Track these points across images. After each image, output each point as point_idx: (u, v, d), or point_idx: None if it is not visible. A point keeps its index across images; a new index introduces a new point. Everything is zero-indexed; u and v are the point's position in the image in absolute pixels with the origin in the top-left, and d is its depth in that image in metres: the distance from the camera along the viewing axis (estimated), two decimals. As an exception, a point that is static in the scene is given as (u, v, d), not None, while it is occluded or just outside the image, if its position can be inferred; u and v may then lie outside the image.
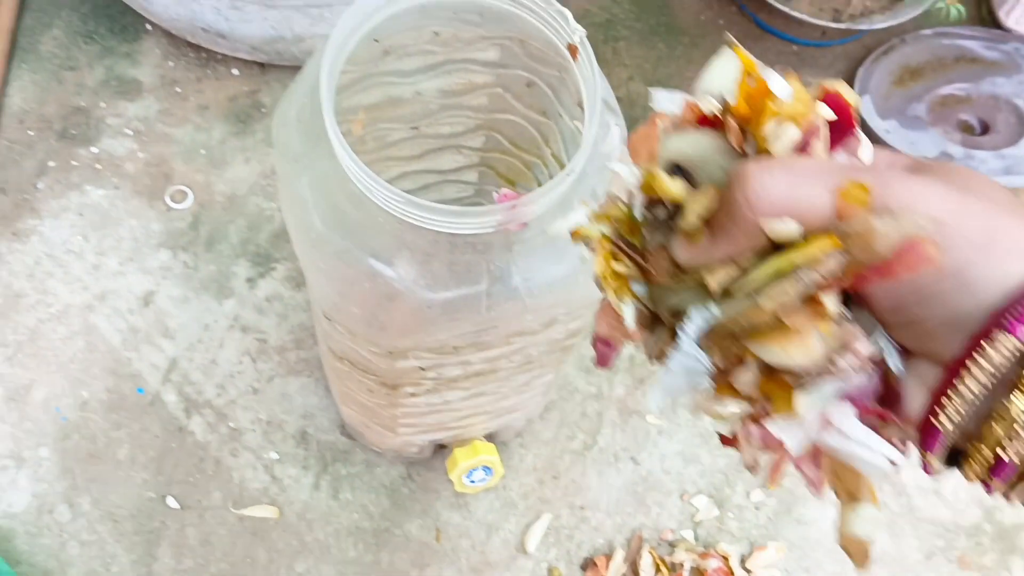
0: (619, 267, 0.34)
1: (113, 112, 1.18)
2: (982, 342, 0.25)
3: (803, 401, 0.28)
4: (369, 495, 1.04)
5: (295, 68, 1.22)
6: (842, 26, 1.25)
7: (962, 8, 1.17)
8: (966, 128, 1.29)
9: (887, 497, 1.11)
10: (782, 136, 0.29)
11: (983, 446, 0.26)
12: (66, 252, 1.11)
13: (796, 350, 0.27)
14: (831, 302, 0.27)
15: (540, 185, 0.76)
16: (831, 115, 0.31)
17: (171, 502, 1.00)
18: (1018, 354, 0.25)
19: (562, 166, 0.84)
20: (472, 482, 1.00)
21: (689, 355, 0.31)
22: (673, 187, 0.31)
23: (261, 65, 1.22)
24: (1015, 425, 0.25)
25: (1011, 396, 0.25)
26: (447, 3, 0.65)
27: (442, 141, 0.90)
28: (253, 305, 1.11)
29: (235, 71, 1.22)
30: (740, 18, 1.35)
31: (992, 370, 0.25)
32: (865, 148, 0.31)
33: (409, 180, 0.96)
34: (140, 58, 1.22)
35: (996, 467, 0.26)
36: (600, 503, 1.07)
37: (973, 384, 0.25)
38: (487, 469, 0.98)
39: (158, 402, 1.05)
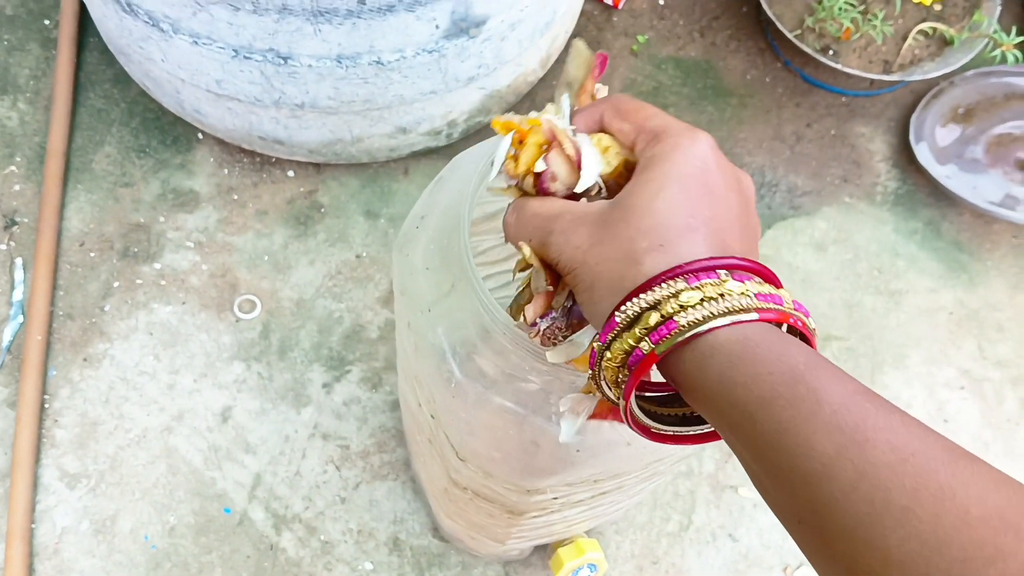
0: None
1: (173, 225, 1.18)
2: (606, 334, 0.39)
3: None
4: (471, 601, 1.01)
5: (352, 166, 1.22)
6: (893, 78, 1.24)
7: (1019, 54, 1.16)
8: (1026, 166, 1.28)
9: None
10: (525, 177, 0.45)
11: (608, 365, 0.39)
12: (139, 374, 1.09)
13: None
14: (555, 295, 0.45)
15: None
16: (558, 125, 0.44)
17: (272, 626, 0.98)
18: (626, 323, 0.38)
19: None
20: (578, 580, 0.97)
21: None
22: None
23: (316, 165, 1.22)
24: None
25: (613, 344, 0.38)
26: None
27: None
28: (331, 411, 1.09)
29: (291, 173, 1.22)
30: (786, 74, 1.35)
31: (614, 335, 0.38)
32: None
33: (493, 280, 0.95)
34: (194, 168, 1.22)
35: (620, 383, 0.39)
36: (703, 586, 1.04)
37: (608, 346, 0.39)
38: (592, 566, 0.96)
39: (246, 521, 1.03)
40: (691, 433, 0.42)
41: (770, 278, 0.39)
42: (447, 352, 0.63)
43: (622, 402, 0.40)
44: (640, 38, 1.36)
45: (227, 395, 1.09)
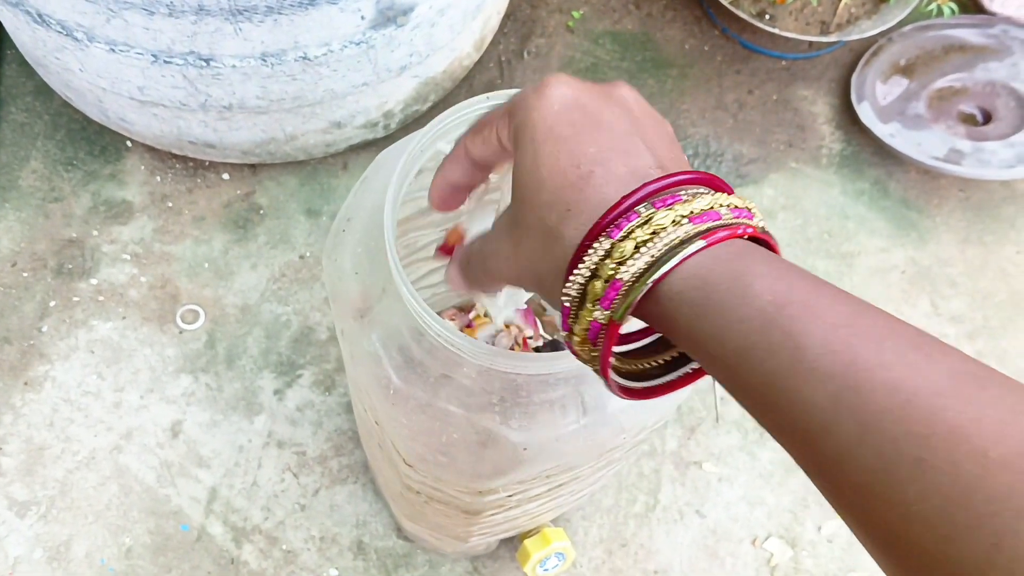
0: None
1: (107, 239, 1.14)
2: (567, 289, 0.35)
3: None
4: (440, 599, 1.00)
5: (289, 164, 1.19)
6: (831, 39, 1.23)
7: (955, 6, 1.15)
8: (968, 119, 1.27)
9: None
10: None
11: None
12: (83, 394, 1.06)
13: None
14: None
15: None
16: None
17: (238, 642, 0.96)
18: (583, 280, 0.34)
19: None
20: (546, 570, 0.96)
21: None
22: None
23: (252, 166, 1.19)
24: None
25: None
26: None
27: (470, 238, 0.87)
28: (285, 417, 1.07)
29: (226, 176, 1.18)
30: (724, 41, 1.33)
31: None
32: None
33: (436, 275, 0.93)
34: (125, 178, 1.18)
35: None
36: (673, 565, 1.04)
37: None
38: (560, 555, 0.95)
39: (205, 536, 1.01)
40: (682, 375, 0.38)
41: (704, 180, 0.34)
42: (383, 358, 0.61)
43: (604, 379, 0.36)
44: (575, 14, 1.33)
45: (176, 409, 1.07)
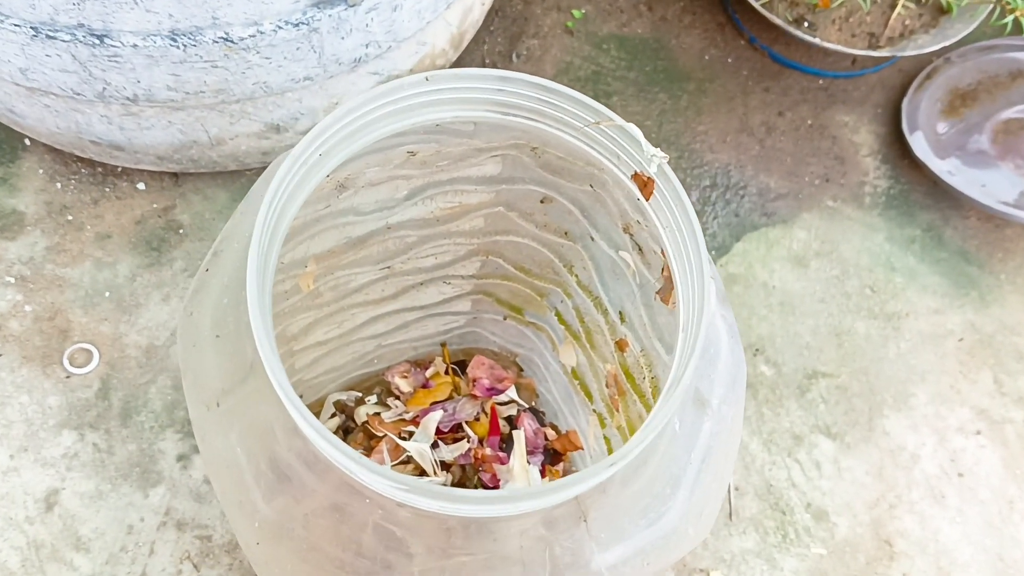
0: None
1: (-12, 256, 0.93)
2: None
3: None
4: None
5: (219, 175, 0.98)
6: (882, 53, 1.03)
7: (1037, 18, 0.96)
8: (1041, 158, 1.07)
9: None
10: None
11: None
12: (-64, 451, 0.85)
13: None
14: None
15: (558, 314, 0.67)
16: None
17: None
18: None
19: (592, 296, 0.61)
20: None
21: None
22: None
23: (174, 175, 0.97)
24: None
25: None
26: (423, 124, 0.41)
27: (424, 275, 0.66)
28: (189, 491, 0.85)
29: (141, 186, 0.97)
30: (752, 53, 1.13)
31: None
32: None
33: (382, 323, 0.72)
34: (19, 183, 0.97)
35: None
36: None
37: None
38: None
39: (74, 642, 0.79)
40: None
41: None
42: (245, 471, 0.39)
43: None
44: (576, 13, 1.13)
45: (53, 474, 0.85)
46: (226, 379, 0.40)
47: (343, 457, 0.34)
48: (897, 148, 1.09)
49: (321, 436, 0.34)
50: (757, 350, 0.96)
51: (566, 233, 0.56)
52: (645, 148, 0.39)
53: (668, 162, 0.40)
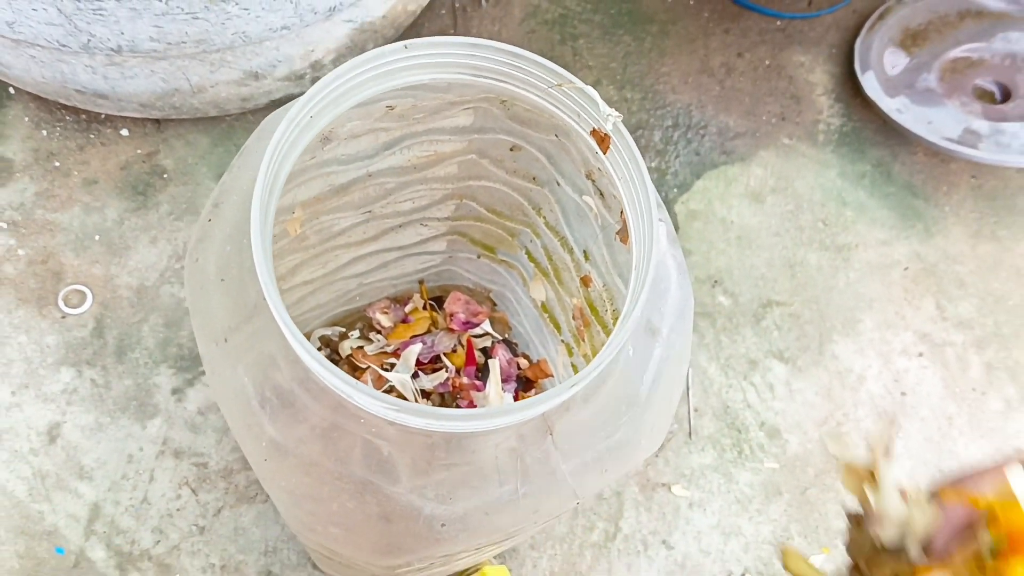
0: None
1: (-21, 202, 0.96)
2: None
3: None
4: (359, 644, 0.85)
5: (199, 121, 1.01)
6: (836, -5, 1.07)
7: (983, -38, 1.00)
8: (985, 96, 1.12)
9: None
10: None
11: None
12: (-59, 389, 0.89)
13: None
14: None
15: (527, 253, 0.68)
16: None
17: None
18: None
19: (559, 236, 0.66)
20: (484, 616, 0.81)
21: None
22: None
23: (156, 121, 1.01)
24: None
25: None
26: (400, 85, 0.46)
27: (402, 218, 0.71)
28: (184, 422, 0.91)
29: (124, 132, 1.00)
30: (712, -5, 1.17)
31: None
32: None
33: (363, 263, 0.77)
34: (6, 131, 1.00)
35: None
36: (634, 604, 0.89)
37: None
38: (501, 599, 0.80)
39: (84, 562, 0.85)
40: None
41: None
42: (252, 399, 0.45)
43: None
44: (543, -43, 1.16)
45: (54, 409, 0.90)
46: (231, 318, 0.45)
47: (341, 383, 0.39)
48: (850, 87, 1.14)
49: (321, 365, 0.39)
50: (716, 282, 1.02)
51: (534, 178, 0.61)
52: (602, 108, 0.44)
53: (623, 120, 0.45)
